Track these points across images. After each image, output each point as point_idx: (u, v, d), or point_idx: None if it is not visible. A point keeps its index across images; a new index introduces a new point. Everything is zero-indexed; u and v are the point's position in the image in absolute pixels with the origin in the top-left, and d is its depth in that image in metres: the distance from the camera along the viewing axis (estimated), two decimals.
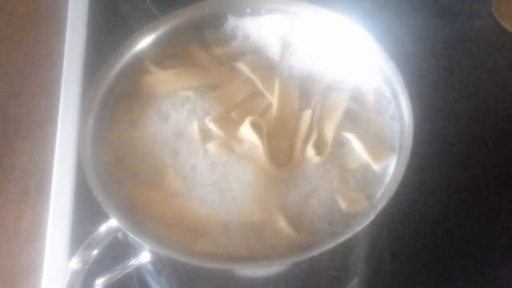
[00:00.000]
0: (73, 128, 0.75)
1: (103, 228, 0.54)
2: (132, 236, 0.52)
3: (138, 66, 0.62)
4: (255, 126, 0.56)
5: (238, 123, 0.57)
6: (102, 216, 0.54)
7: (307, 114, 0.57)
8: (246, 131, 0.56)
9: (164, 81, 0.60)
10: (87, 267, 0.53)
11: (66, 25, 0.85)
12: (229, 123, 0.57)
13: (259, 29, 0.63)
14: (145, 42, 0.63)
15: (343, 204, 0.53)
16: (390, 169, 0.55)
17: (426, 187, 0.71)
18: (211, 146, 0.56)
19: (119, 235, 0.54)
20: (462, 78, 0.81)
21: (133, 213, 0.55)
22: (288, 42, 0.62)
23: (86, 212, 0.66)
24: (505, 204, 0.72)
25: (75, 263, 0.53)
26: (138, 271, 0.66)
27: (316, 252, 0.49)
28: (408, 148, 0.53)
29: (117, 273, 0.54)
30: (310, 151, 0.55)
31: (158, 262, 0.55)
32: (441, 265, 0.69)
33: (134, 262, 0.54)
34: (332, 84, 0.60)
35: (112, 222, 0.53)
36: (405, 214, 0.69)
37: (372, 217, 0.50)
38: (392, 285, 0.68)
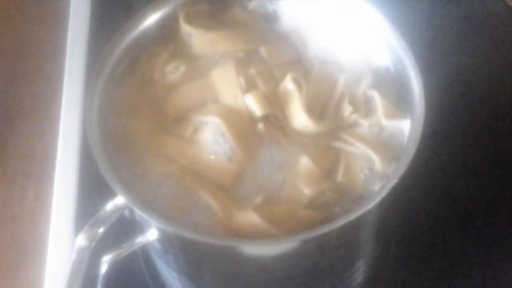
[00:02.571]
0: (77, 107, 0.75)
1: (109, 205, 0.53)
2: (139, 213, 0.51)
3: (147, 39, 0.61)
4: (296, 82, 0.56)
5: (278, 81, 0.57)
6: (108, 194, 0.53)
7: (342, 78, 0.58)
8: (287, 85, 0.56)
9: (213, 42, 0.61)
10: (93, 244, 0.52)
11: (70, 5, 0.84)
12: (270, 79, 0.58)
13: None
14: (151, 19, 0.62)
15: (377, 162, 0.54)
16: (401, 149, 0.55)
17: (435, 167, 0.71)
18: (249, 98, 0.56)
19: (126, 212, 0.54)
20: (472, 59, 0.80)
21: (141, 190, 0.54)
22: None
23: (92, 190, 0.65)
24: None
25: (81, 241, 0.52)
26: (144, 250, 0.66)
27: (326, 229, 0.49)
28: (419, 126, 0.52)
29: (124, 250, 0.53)
30: (347, 108, 0.56)
31: (165, 240, 0.54)
32: (449, 248, 0.69)
33: (141, 239, 0.54)
34: (344, 62, 0.60)
35: (119, 200, 0.53)
36: (413, 197, 0.69)
37: (383, 194, 0.50)
38: (398, 267, 0.68)
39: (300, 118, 0.56)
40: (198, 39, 0.61)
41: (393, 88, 0.58)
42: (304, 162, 0.54)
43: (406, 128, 0.55)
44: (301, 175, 0.54)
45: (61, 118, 0.76)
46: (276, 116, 0.57)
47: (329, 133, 0.56)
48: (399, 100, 0.57)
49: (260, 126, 0.56)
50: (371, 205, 0.49)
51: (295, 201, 0.53)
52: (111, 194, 0.53)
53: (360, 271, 0.63)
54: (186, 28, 0.62)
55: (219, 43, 0.61)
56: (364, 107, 0.57)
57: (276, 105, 0.57)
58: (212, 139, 0.55)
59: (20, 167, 0.81)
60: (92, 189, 0.64)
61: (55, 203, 0.69)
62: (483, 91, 0.78)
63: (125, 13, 0.66)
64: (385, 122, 0.56)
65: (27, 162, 0.81)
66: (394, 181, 0.50)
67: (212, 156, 0.55)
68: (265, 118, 0.56)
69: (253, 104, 0.56)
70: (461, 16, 0.83)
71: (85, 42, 0.80)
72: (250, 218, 0.52)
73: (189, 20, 0.62)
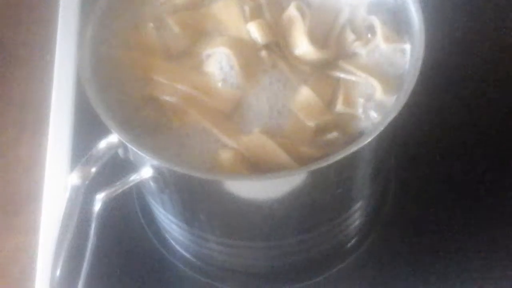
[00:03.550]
0: (72, 50, 0.74)
1: (103, 143, 0.52)
2: (134, 149, 0.50)
3: None
4: (299, 10, 0.57)
5: (284, 9, 0.57)
6: (104, 133, 0.52)
7: (345, 8, 0.58)
8: (291, 12, 0.57)
9: None
10: (86, 182, 0.51)
11: None
12: (277, 6, 0.58)
13: None
14: None
15: (378, 90, 0.54)
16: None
17: (433, 109, 0.70)
18: (252, 26, 0.56)
19: (120, 151, 0.53)
20: None
21: (136, 127, 0.53)
22: None
23: (88, 132, 0.65)
24: None
25: (74, 179, 0.51)
26: (139, 192, 0.65)
27: (327, 162, 0.48)
28: (419, 55, 0.51)
29: (117, 188, 0.52)
30: (350, 36, 0.56)
31: (160, 178, 0.53)
32: (448, 192, 0.68)
33: (135, 177, 0.53)
34: None
35: (113, 138, 0.52)
36: (412, 140, 0.68)
37: (383, 127, 0.49)
38: (396, 210, 0.67)
39: (302, 45, 0.56)
40: None
41: (393, 19, 0.57)
42: (305, 93, 0.54)
43: (407, 59, 0.54)
44: (303, 106, 0.54)
45: (55, 63, 0.75)
46: (278, 44, 0.56)
47: (330, 63, 0.56)
48: (398, 30, 0.56)
49: (263, 53, 0.56)
50: (371, 137, 0.49)
51: (297, 132, 0.53)
52: (106, 136, 0.52)
53: (358, 214, 0.63)
54: None
55: None
56: (365, 35, 0.57)
57: (279, 33, 0.57)
58: (218, 69, 0.55)
59: (15, 114, 0.80)
60: (88, 131, 0.63)
61: (50, 144, 0.69)
62: (488, 21, 0.76)
63: None
64: (384, 46, 0.55)
65: (22, 109, 0.80)
66: (394, 114, 0.49)
67: (217, 84, 0.55)
68: (268, 47, 0.56)
69: (255, 32, 0.56)
70: None
71: None
72: (258, 138, 0.52)
73: None
